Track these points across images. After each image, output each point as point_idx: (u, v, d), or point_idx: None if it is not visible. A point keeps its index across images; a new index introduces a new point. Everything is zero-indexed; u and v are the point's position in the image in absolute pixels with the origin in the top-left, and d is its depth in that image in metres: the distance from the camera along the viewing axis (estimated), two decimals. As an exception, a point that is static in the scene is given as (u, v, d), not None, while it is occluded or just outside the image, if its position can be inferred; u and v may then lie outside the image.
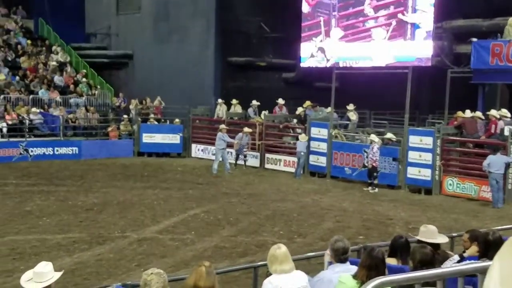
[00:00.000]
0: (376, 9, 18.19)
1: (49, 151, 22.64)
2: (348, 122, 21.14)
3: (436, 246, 5.89)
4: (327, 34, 19.43)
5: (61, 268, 7.37)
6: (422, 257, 5.01)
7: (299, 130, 21.31)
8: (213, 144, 21.45)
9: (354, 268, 5.28)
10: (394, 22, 17.71)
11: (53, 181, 18.31)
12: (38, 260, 8.90)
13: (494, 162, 15.40)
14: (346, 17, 19.08)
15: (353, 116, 20.91)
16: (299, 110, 22.13)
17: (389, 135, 18.89)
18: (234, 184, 18.38)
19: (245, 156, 21.46)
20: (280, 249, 5.51)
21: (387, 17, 17.94)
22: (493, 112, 17.04)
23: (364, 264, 4.91)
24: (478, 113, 17.61)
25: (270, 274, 6.42)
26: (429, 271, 3.57)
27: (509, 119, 16.77)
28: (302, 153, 19.82)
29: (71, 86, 27.01)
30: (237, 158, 21.46)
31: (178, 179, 19.27)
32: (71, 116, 24.69)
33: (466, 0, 21.77)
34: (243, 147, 21.20)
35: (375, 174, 17.81)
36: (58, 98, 25.59)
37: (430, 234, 5.97)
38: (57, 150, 22.82)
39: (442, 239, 6.20)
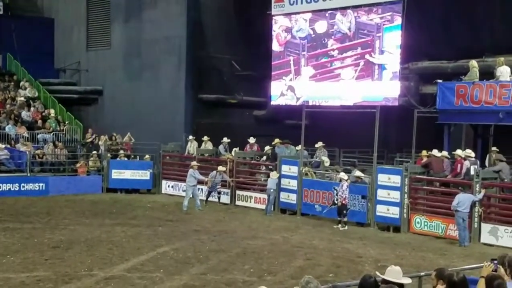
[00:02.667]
0: (344, 49, 18.57)
1: (15, 187, 22.29)
2: (319, 161, 21.28)
3: (401, 286, 5.97)
4: (297, 73, 19.73)
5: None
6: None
7: (270, 167, 21.39)
8: (183, 180, 21.38)
9: (324, 308, 5.30)
10: (362, 63, 18.08)
11: (19, 218, 17.97)
12: (2, 300, 8.70)
13: (462, 201, 15.66)
14: (316, 56, 19.42)
15: (325, 160, 21.00)
16: (266, 148, 22.34)
17: (358, 173, 19.10)
18: (204, 221, 18.28)
19: (219, 193, 21.44)
20: None
21: (355, 57, 18.31)
22: (458, 152, 17.39)
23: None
24: (444, 153, 17.94)
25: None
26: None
27: (473, 159, 17.13)
28: (272, 190, 19.86)
29: (39, 122, 26.75)
30: (208, 195, 21.41)
31: (147, 216, 19.08)
32: (38, 151, 24.39)
33: (432, 42, 22.37)
34: (216, 184, 21.18)
35: (344, 211, 17.93)
36: (25, 133, 25.32)
37: (395, 274, 6.05)
38: (24, 186, 22.48)
39: (406, 281, 6.27)
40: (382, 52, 17.57)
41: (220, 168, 21.22)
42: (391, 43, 17.36)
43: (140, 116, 27.26)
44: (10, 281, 11.23)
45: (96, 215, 18.82)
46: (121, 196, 23.17)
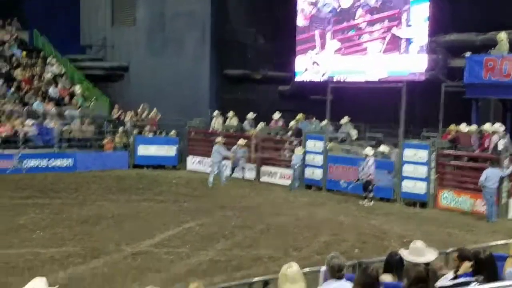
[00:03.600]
0: (371, 23, 18.30)
1: (43, 163, 22.59)
2: (344, 136, 21.14)
3: (426, 263, 5.93)
4: (322, 47, 19.53)
5: (55, 282, 7.33)
6: (416, 275, 5.03)
7: (295, 143, 21.34)
8: (208, 156, 21.46)
9: (349, 285, 5.30)
10: (388, 36, 17.83)
11: (48, 194, 18.25)
12: (32, 274, 8.86)
13: (490, 176, 15.46)
14: (341, 30, 19.19)
15: (353, 133, 20.86)
16: (291, 124, 22.24)
17: (382, 148, 18.93)
18: (230, 197, 18.37)
19: (243, 168, 21.46)
20: (292, 268, 5.40)
21: (382, 31, 18.04)
22: (486, 126, 17.12)
23: (359, 282, 4.93)
24: (473, 127, 17.68)
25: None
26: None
27: (501, 134, 16.85)
28: (297, 166, 19.82)
29: (66, 98, 26.98)
30: (232, 171, 21.45)
31: (173, 192, 19.24)
32: (65, 128, 24.67)
33: (460, 14, 21.89)
34: (238, 160, 21.21)
35: (370, 187, 17.84)
36: (53, 110, 25.57)
37: (419, 251, 5.99)
38: (52, 162, 22.78)
39: (431, 256, 6.20)
40: (409, 25, 17.28)
41: (240, 142, 21.20)
42: (419, 16, 17.08)
43: (165, 92, 27.34)
44: (39, 256, 11.45)
45: (123, 191, 19.03)
46: (147, 172, 23.38)
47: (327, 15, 19.35)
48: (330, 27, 19.33)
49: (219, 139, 20.92)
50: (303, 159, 20.08)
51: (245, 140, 21.42)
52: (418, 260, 5.80)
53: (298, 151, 20.01)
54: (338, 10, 19.06)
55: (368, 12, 18.29)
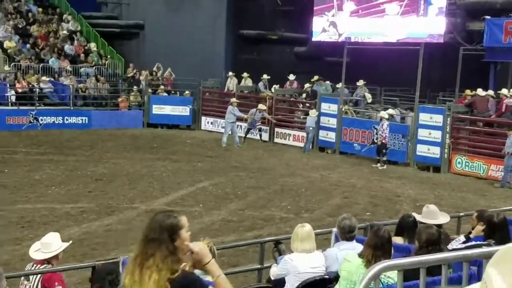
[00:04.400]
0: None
1: (58, 120, 22.73)
2: (360, 98, 21.01)
3: (438, 225, 5.93)
4: (340, 8, 19.24)
5: (69, 238, 7.46)
6: (428, 237, 5.03)
7: (307, 105, 21.24)
8: (222, 117, 21.45)
9: (360, 247, 5.33)
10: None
11: (63, 151, 18.43)
12: (46, 229, 9.03)
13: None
14: (359, -9, 18.85)
15: (368, 96, 20.72)
16: (306, 86, 22.09)
17: (390, 111, 18.75)
18: (243, 158, 18.42)
19: (260, 130, 21.43)
20: (304, 228, 5.53)
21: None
22: (504, 91, 16.91)
23: (370, 243, 4.95)
24: (490, 92, 17.47)
25: (277, 249, 6.49)
26: (434, 255, 3.59)
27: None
28: (311, 128, 19.77)
29: (82, 56, 26.96)
30: (247, 132, 21.45)
31: (187, 152, 19.33)
32: (81, 85, 24.73)
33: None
34: (255, 122, 21.15)
35: (384, 151, 17.78)
36: (68, 67, 25.60)
37: (432, 214, 5.99)
38: (67, 120, 22.92)
39: (444, 219, 6.21)
40: (428, -14, 16.94)
41: (261, 106, 21.15)
42: (439, -23, 16.71)
43: (180, 52, 27.16)
44: (55, 211, 11.63)
45: (137, 150, 19.15)
46: (161, 131, 23.46)
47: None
48: (348, -13, 19.01)
49: (233, 99, 20.88)
50: (318, 121, 19.99)
51: (265, 107, 21.27)
52: (431, 222, 5.80)
53: (312, 113, 19.92)
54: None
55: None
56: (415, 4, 17.33)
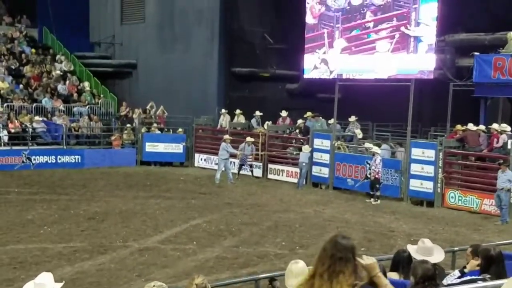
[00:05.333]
0: (379, 21, 18.26)
1: (51, 159, 22.68)
2: (352, 134, 21.13)
3: (433, 260, 5.90)
4: (331, 45, 19.50)
5: (62, 278, 7.40)
6: (424, 272, 5.00)
7: (301, 141, 21.33)
8: (216, 153, 21.48)
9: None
10: (397, 35, 17.77)
11: (55, 190, 18.35)
12: (39, 269, 8.93)
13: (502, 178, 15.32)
14: (350, 29, 19.15)
15: (358, 132, 20.82)
16: (299, 122, 22.24)
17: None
18: (237, 194, 18.39)
19: (251, 166, 21.50)
20: (297, 264, 5.48)
21: (390, 29, 18.00)
22: (495, 126, 17.07)
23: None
24: (481, 127, 17.62)
25: (272, 287, 6.44)
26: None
27: (510, 133, 16.79)
28: (304, 164, 19.82)
29: (75, 95, 27.08)
30: (240, 168, 21.49)
31: (180, 189, 19.28)
32: (74, 124, 24.76)
33: (469, 14, 21.82)
34: (246, 157, 21.25)
35: (377, 185, 17.82)
36: (61, 106, 25.67)
37: (427, 251, 5.94)
38: (60, 159, 22.87)
39: (439, 257, 6.15)
40: (418, 24, 17.23)
41: (248, 139, 21.25)
42: (427, 15, 17.01)
43: (173, 90, 27.35)
44: (47, 251, 11.52)
45: (130, 188, 19.09)
46: (154, 169, 23.43)
47: (335, 14, 19.32)
48: (338, 25, 19.29)
49: (226, 136, 20.97)
50: (311, 157, 20.07)
51: (253, 138, 21.46)
52: (425, 258, 5.77)
53: (305, 149, 20.01)
54: (347, 8, 19.02)
55: (377, 11, 18.25)
56: (405, 41, 17.60)
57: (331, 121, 20.83)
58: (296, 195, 18.78)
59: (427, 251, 6.03)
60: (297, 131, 22.38)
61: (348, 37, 19.14)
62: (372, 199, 17.74)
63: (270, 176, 21.66)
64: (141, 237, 12.79)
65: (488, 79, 17.57)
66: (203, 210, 15.74)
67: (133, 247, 11.95)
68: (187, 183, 20.49)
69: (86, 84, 28.09)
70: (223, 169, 20.32)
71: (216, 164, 21.40)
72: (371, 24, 18.47)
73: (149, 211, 15.44)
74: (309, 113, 22.16)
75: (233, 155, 20.89)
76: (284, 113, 23.35)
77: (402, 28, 17.60)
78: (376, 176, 17.73)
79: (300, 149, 20.52)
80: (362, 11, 18.67)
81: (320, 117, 22.02)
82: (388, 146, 19.79)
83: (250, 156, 21.39)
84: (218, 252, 11.80)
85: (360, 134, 20.86)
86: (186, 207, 16.23)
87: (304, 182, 20.06)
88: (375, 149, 18.12)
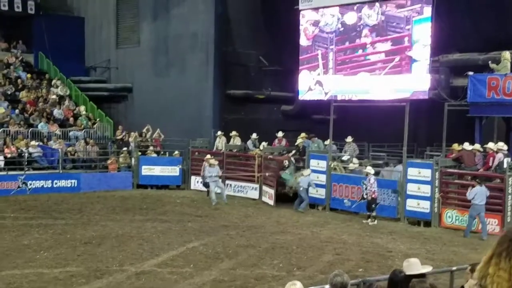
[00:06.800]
0: (373, 43, 18.41)
1: (48, 184, 22.62)
2: (348, 153, 21.11)
3: (422, 276, 5.90)
4: (325, 67, 19.63)
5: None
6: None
7: (301, 164, 21.18)
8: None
9: (353, 303, 5.28)
10: (391, 56, 17.91)
11: (52, 215, 18.26)
12: (35, 295, 8.87)
13: (479, 193, 15.70)
14: (344, 50, 19.29)
15: (354, 161, 20.72)
16: (298, 141, 22.13)
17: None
18: (233, 217, 18.34)
19: (221, 188, 20.69)
20: (295, 286, 5.50)
21: (384, 51, 18.14)
22: (490, 145, 17.14)
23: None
24: (476, 146, 17.68)
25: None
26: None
27: (506, 152, 16.86)
28: (301, 189, 19.59)
29: (71, 119, 27.13)
30: (206, 187, 20.93)
31: (177, 212, 19.23)
32: (70, 149, 24.75)
33: (462, 34, 22.02)
34: (205, 178, 20.59)
35: (373, 206, 17.80)
36: (57, 131, 25.69)
37: (414, 266, 5.96)
38: (56, 183, 22.80)
39: (427, 269, 6.19)
40: (411, 45, 17.37)
41: (207, 157, 21.15)
42: (421, 36, 17.15)
43: (169, 113, 27.44)
44: (43, 276, 11.44)
45: (127, 211, 19.03)
46: (151, 192, 23.39)
47: (329, 35, 19.48)
48: (332, 47, 19.44)
49: (208, 156, 20.97)
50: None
51: (212, 157, 21.27)
52: (415, 273, 5.78)
53: (306, 173, 19.81)
54: (341, 30, 19.18)
55: (371, 32, 18.41)
56: (399, 62, 17.72)
57: (327, 142, 20.86)
58: (293, 216, 18.72)
59: (415, 266, 6.04)
60: (293, 151, 22.32)
61: (342, 59, 19.28)
62: (369, 220, 17.70)
63: (264, 199, 21.39)
64: (138, 260, 12.72)
65: (482, 99, 17.67)
66: (199, 233, 15.69)
67: (129, 271, 11.88)
68: (184, 206, 20.43)
69: (82, 108, 28.16)
70: (217, 190, 20.27)
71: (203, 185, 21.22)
72: (364, 46, 18.62)
73: (146, 235, 15.37)
74: (303, 134, 22.15)
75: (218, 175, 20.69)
76: (280, 134, 23.39)
77: (396, 50, 17.76)
78: (373, 195, 17.72)
79: (283, 168, 20.35)
80: (355, 33, 18.83)
81: (316, 138, 22.03)
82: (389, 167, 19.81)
83: (216, 177, 20.54)
84: (215, 275, 11.73)
85: (355, 164, 20.59)
86: (182, 230, 16.17)
87: (305, 206, 19.66)
88: (368, 169, 18.12)
